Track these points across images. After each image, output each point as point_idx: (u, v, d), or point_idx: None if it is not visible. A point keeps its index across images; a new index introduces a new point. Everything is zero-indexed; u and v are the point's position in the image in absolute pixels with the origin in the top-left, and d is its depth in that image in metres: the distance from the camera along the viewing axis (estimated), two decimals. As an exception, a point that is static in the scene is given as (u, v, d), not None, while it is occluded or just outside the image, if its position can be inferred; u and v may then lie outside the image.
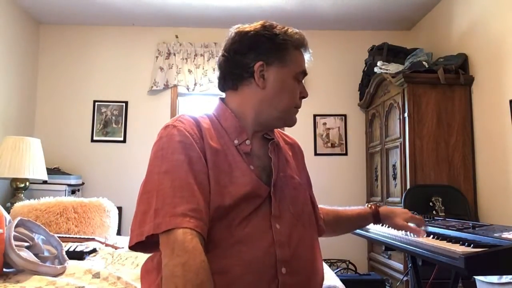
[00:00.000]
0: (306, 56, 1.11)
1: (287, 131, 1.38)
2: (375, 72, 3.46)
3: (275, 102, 1.06)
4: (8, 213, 2.35)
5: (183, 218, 0.85)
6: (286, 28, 1.08)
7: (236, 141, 1.03)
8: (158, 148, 0.96)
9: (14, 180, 3.12)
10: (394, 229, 1.36)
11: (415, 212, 1.40)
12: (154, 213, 0.87)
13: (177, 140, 0.95)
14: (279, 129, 1.22)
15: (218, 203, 0.93)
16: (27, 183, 3.18)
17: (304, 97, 1.11)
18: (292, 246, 0.98)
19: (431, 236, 1.27)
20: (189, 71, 3.93)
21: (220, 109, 1.09)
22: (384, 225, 1.42)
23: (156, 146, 0.97)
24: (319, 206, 1.26)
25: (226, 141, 1.03)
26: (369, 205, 1.38)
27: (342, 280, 1.77)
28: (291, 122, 1.11)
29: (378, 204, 1.38)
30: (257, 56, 1.04)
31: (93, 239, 2.19)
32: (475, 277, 2.00)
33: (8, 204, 2.94)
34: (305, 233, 1.05)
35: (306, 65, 1.11)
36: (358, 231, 1.75)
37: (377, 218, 1.35)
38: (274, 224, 0.97)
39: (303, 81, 1.12)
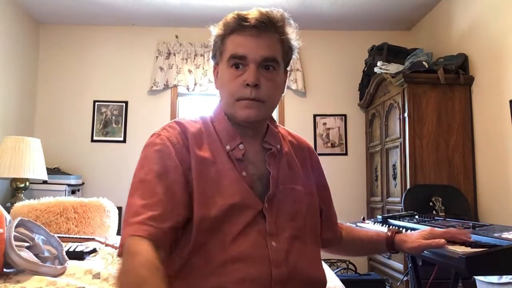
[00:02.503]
0: (246, 35, 0.96)
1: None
2: (375, 72, 3.47)
3: (222, 98, 1.02)
4: (8, 213, 2.35)
5: (139, 227, 0.83)
6: (225, 17, 0.99)
7: (228, 147, 0.98)
8: (141, 156, 0.96)
9: (14, 180, 3.12)
10: (413, 254, 1.19)
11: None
12: (124, 223, 0.87)
13: (156, 149, 0.94)
14: (288, 130, 1.15)
15: (203, 214, 0.90)
16: (27, 183, 3.18)
17: (248, 84, 0.94)
18: (290, 265, 0.93)
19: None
20: (189, 71, 3.93)
21: (217, 110, 1.05)
22: (402, 252, 1.25)
23: (141, 153, 0.97)
24: None
25: (217, 146, 0.98)
26: (388, 231, 1.20)
27: (342, 280, 1.78)
28: (239, 117, 0.97)
29: (398, 230, 1.20)
30: (213, 60, 1.05)
31: (93, 239, 2.19)
32: (475, 277, 2.00)
33: (8, 204, 2.94)
34: (306, 250, 0.98)
35: (246, 45, 0.95)
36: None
37: (391, 244, 1.16)
38: (270, 242, 0.93)
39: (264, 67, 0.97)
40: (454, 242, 1.13)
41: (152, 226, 0.83)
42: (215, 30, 1.01)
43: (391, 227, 1.55)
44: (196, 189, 0.91)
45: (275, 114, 4.02)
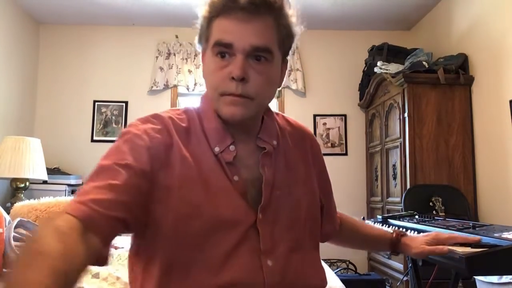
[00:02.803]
0: (233, 19, 0.81)
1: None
2: (375, 72, 3.46)
3: (207, 89, 0.89)
4: (8, 213, 2.35)
5: (78, 206, 0.69)
6: None
7: (217, 149, 0.84)
8: (112, 145, 0.83)
9: (14, 180, 3.12)
10: (415, 258, 1.16)
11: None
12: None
13: (130, 140, 0.80)
14: (286, 118, 1.02)
15: (181, 225, 0.78)
16: (27, 183, 3.18)
17: (233, 78, 0.80)
18: (287, 281, 0.83)
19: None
20: (189, 71, 3.93)
21: (205, 104, 0.90)
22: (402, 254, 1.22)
23: (115, 142, 0.83)
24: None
25: (203, 148, 0.85)
26: (394, 231, 1.14)
27: (342, 280, 1.78)
28: (223, 115, 0.84)
29: (403, 233, 1.14)
30: (199, 45, 0.91)
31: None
32: (475, 277, 2.00)
33: (8, 204, 2.94)
34: (304, 259, 0.89)
35: (233, 31, 0.81)
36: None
37: (395, 247, 1.12)
38: (265, 261, 0.81)
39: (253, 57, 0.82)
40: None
41: (92, 209, 0.69)
42: (201, 10, 0.88)
43: (391, 227, 1.55)
44: (177, 196, 0.79)
45: (275, 114, 4.02)
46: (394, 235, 1.12)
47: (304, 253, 0.89)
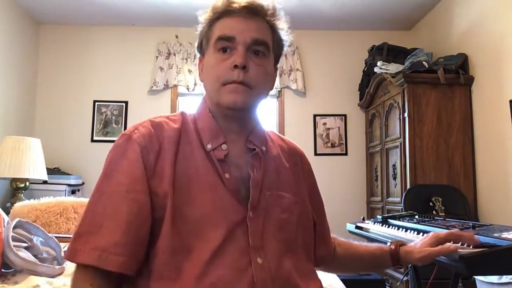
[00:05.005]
0: (235, 17, 0.90)
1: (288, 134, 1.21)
2: (375, 72, 3.46)
3: (206, 88, 0.94)
4: (8, 213, 2.35)
5: (93, 252, 0.77)
6: (213, 3, 0.94)
7: (209, 146, 0.89)
8: (107, 161, 0.87)
9: (14, 180, 3.12)
10: (422, 264, 1.04)
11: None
12: (75, 235, 0.81)
13: (123, 154, 0.85)
14: (279, 135, 1.06)
15: (175, 230, 0.80)
16: (27, 183, 3.18)
17: (236, 66, 0.86)
18: (279, 283, 0.81)
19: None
20: (189, 71, 3.93)
21: (201, 107, 0.96)
22: (407, 265, 1.15)
23: (107, 157, 0.88)
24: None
25: (194, 146, 0.88)
26: (391, 244, 1.09)
27: (342, 280, 1.78)
28: (225, 103, 0.88)
29: (402, 243, 1.09)
30: (199, 51, 0.98)
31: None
32: (475, 277, 2.00)
33: (8, 204, 2.94)
34: (299, 265, 0.87)
35: (235, 27, 0.89)
36: (357, 230, 1.75)
37: (396, 258, 1.06)
38: (255, 258, 0.81)
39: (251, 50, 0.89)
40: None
41: (111, 253, 0.77)
42: (203, 16, 0.95)
43: (391, 227, 1.55)
44: (170, 202, 0.81)
45: (274, 115, 4.02)
46: (392, 247, 1.07)
47: (297, 260, 0.88)
